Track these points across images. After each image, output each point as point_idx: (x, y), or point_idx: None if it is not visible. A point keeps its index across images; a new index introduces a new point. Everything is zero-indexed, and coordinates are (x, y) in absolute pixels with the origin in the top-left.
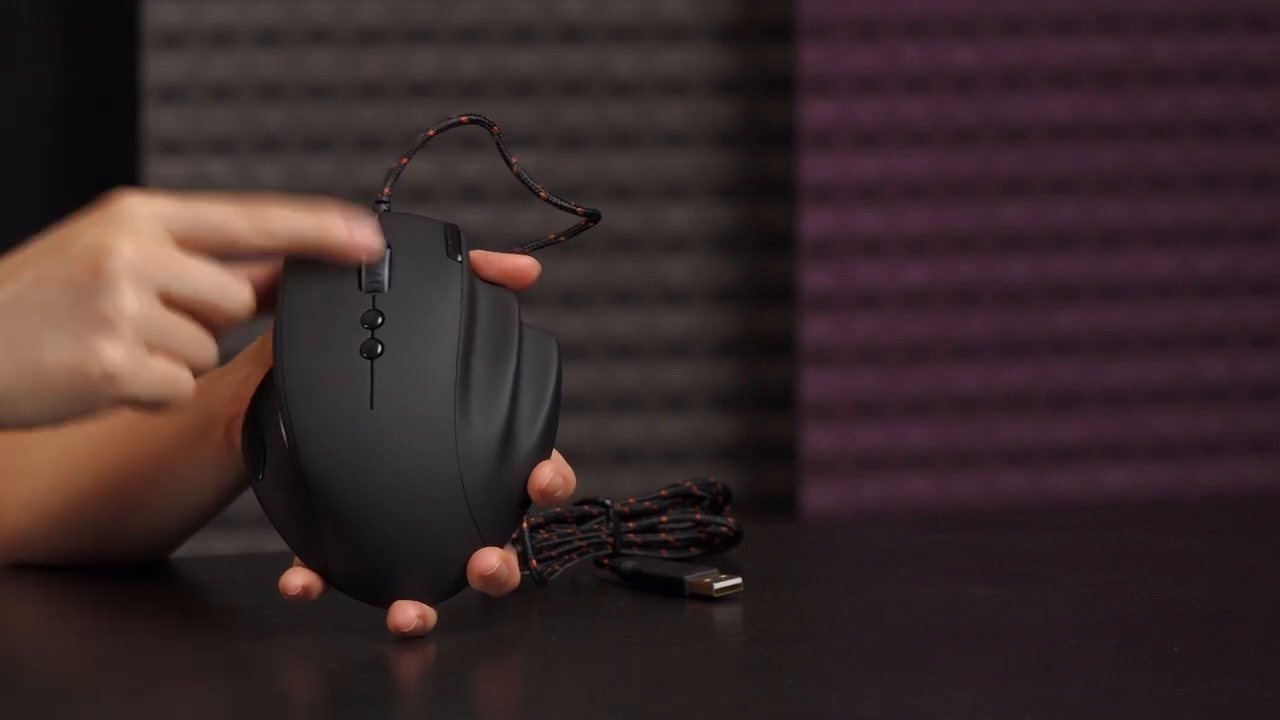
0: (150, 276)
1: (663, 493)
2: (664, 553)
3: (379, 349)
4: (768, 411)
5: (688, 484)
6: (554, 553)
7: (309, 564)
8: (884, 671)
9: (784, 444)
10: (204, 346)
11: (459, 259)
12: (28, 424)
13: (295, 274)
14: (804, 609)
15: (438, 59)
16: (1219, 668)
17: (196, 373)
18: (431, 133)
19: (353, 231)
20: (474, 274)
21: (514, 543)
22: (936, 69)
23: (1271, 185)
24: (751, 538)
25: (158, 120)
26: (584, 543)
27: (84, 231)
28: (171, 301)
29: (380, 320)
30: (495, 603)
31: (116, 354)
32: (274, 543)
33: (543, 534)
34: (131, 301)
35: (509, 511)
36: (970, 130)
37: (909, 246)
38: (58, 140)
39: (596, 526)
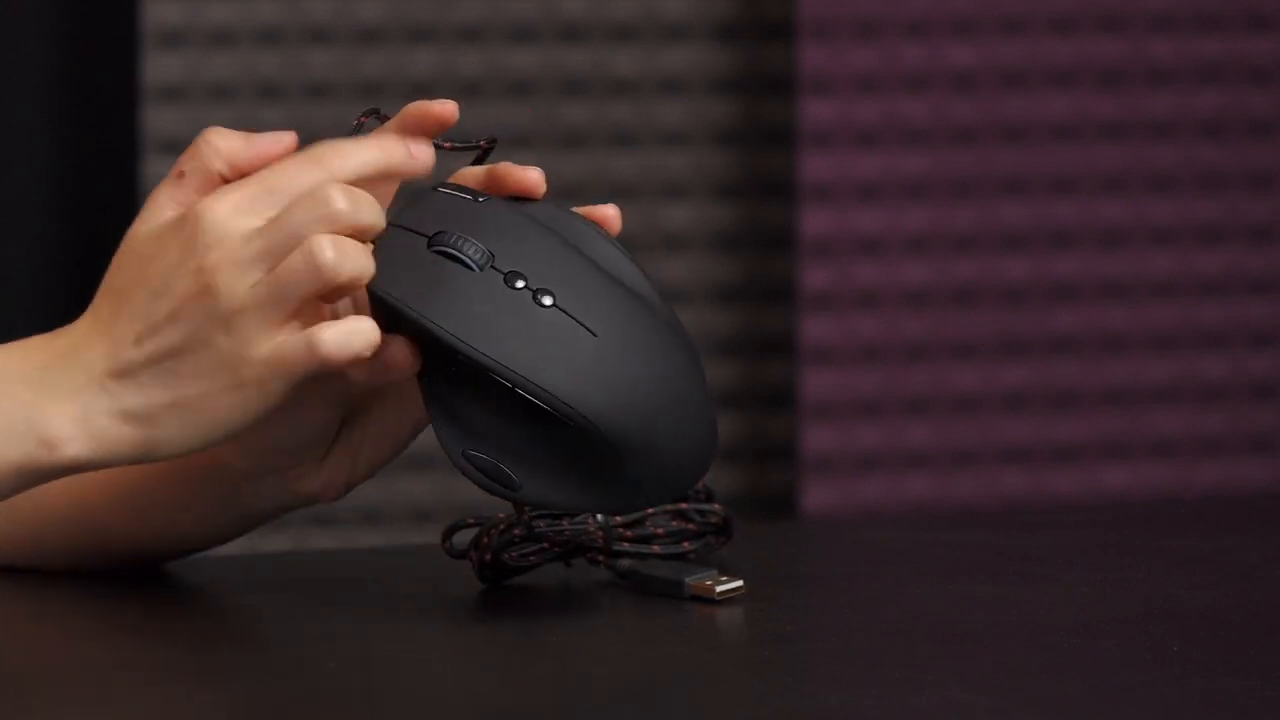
0: (253, 264)
1: None
2: (656, 548)
3: (550, 297)
4: (768, 411)
5: None
6: (546, 544)
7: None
8: (884, 671)
9: (784, 444)
10: (328, 255)
11: (484, 198)
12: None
13: (399, 298)
14: (804, 609)
15: (438, 59)
16: (1219, 667)
17: (360, 283)
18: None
19: (411, 148)
20: (512, 200)
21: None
22: (936, 69)
23: (1271, 185)
24: (751, 538)
25: (158, 120)
26: (574, 536)
27: (173, 267)
28: (282, 254)
29: (521, 278)
30: (494, 602)
31: (255, 372)
32: (274, 543)
33: (518, 531)
34: (246, 312)
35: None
36: (970, 130)
37: (909, 246)
38: (58, 140)
39: (584, 520)
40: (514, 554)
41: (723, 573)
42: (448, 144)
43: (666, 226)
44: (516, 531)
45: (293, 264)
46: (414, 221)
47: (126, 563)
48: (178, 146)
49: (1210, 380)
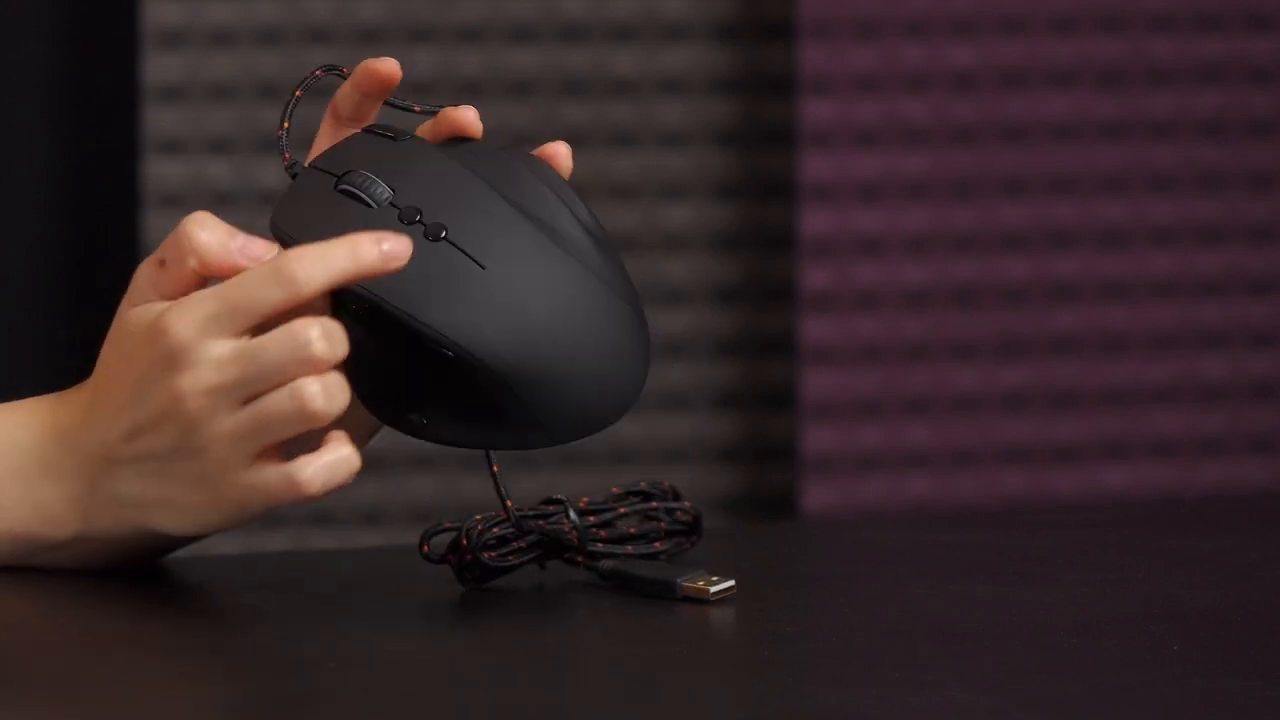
0: (228, 394)
1: (614, 490)
2: (629, 549)
3: (442, 230)
4: (768, 411)
5: (640, 483)
6: (522, 543)
7: (515, 445)
8: (884, 671)
9: (784, 444)
10: (319, 404)
11: (410, 138)
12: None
13: (294, 236)
14: (804, 609)
15: (438, 59)
16: (1219, 667)
17: (331, 422)
18: (299, 93)
19: (382, 243)
20: (448, 142)
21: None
22: (936, 69)
23: (1271, 185)
24: (751, 538)
25: (157, 120)
26: (550, 534)
27: (149, 377)
28: (259, 392)
29: (418, 213)
30: (492, 603)
31: (235, 493)
32: (274, 543)
33: (496, 530)
34: (223, 440)
35: (625, 273)
36: (970, 130)
37: (909, 246)
38: (58, 140)
39: (557, 521)
40: (492, 554)
41: (717, 573)
42: (417, 107)
43: (666, 226)
44: (495, 531)
45: (279, 406)
46: (329, 163)
47: (129, 560)
48: (178, 146)
49: (1210, 380)
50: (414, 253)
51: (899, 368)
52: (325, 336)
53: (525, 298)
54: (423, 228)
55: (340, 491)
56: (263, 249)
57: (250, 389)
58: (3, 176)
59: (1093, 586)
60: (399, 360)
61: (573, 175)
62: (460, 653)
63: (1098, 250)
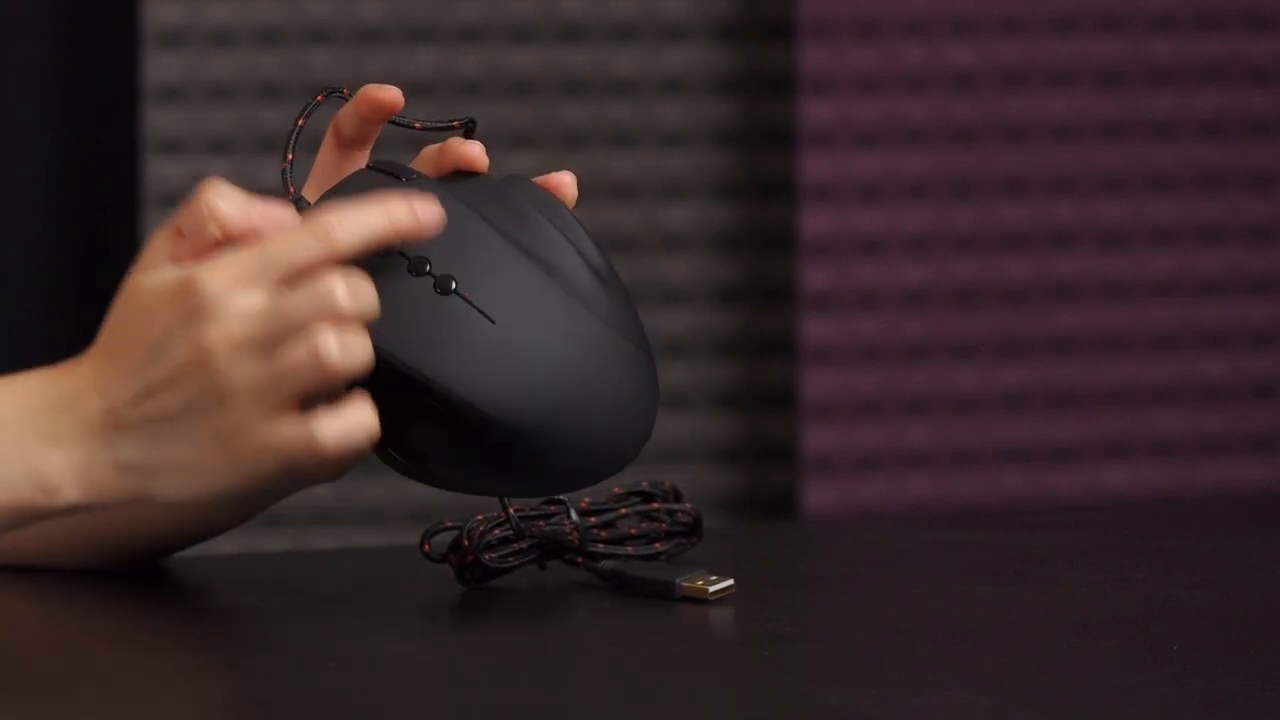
0: (253, 347)
1: (616, 490)
2: (629, 549)
3: (452, 283)
4: (768, 411)
5: (641, 484)
6: (523, 544)
7: (511, 492)
8: (884, 671)
9: (784, 444)
10: (333, 355)
11: (414, 176)
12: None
13: None
14: (803, 609)
15: (438, 59)
16: (1219, 667)
17: (354, 379)
18: (301, 122)
19: (416, 208)
20: (439, 176)
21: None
22: (936, 69)
23: (1271, 185)
24: (751, 538)
25: (158, 120)
26: (550, 536)
27: (171, 333)
28: (285, 347)
29: (427, 263)
30: (491, 603)
31: (251, 451)
32: (274, 543)
33: (498, 532)
34: (244, 393)
35: (633, 312)
36: (970, 130)
37: (909, 246)
38: (58, 140)
39: (559, 522)
40: (493, 555)
41: (717, 573)
42: (418, 124)
43: (666, 226)
44: (497, 532)
45: (295, 357)
46: (335, 204)
47: (138, 557)
48: (177, 146)
49: (1210, 380)
50: (423, 305)
51: (899, 368)
52: (349, 288)
53: (533, 350)
54: (432, 279)
55: (340, 490)
56: (283, 213)
57: (275, 341)
58: (3, 176)
59: (1093, 586)
60: (410, 412)
61: (574, 176)
62: (460, 653)
63: (1098, 250)
